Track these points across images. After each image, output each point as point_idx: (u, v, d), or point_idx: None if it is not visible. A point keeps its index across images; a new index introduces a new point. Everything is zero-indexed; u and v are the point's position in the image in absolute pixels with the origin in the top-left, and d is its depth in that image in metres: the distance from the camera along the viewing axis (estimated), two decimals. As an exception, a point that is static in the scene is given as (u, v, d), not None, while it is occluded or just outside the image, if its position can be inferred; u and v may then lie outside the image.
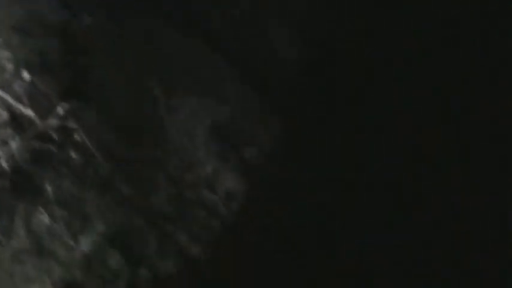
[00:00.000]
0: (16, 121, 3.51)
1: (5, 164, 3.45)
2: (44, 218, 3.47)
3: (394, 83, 3.85)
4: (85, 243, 3.47)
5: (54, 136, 3.53)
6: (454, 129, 3.74)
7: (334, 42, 3.92)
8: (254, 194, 3.64)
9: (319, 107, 3.88)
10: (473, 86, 3.74)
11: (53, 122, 3.53)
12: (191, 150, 3.67)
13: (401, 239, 3.67)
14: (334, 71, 3.88)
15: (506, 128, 3.69)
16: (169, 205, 3.58)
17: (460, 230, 3.64)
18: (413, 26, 3.83)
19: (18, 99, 3.50)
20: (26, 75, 3.52)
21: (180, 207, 3.60)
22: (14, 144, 3.49)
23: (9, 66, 3.54)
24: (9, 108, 3.50)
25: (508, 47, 3.74)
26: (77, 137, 3.53)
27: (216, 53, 3.84)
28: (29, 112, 3.50)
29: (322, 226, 3.76)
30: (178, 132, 3.68)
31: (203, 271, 3.51)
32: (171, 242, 3.53)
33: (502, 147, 3.69)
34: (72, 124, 3.53)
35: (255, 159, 3.70)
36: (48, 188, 3.49)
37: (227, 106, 3.77)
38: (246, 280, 3.63)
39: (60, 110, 3.52)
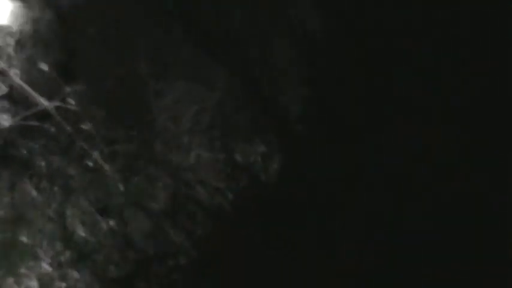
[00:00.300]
0: (14, 95, 3.53)
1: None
2: (28, 188, 3.50)
3: (394, 82, 3.85)
4: (66, 217, 3.49)
5: (48, 112, 3.56)
6: (454, 129, 3.73)
7: (331, 42, 3.92)
8: (241, 187, 3.64)
9: (316, 106, 3.89)
10: (473, 86, 3.73)
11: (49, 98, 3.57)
12: (176, 134, 3.68)
13: (401, 239, 3.66)
14: (333, 70, 3.88)
15: (506, 129, 3.68)
16: (151, 186, 3.60)
17: (460, 230, 3.64)
18: (413, 25, 3.83)
19: (17, 74, 3.53)
20: (26, 51, 3.54)
21: (161, 189, 3.62)
22: (10, 117, 3.51)
23: (11, 41, 3.56)
24: (8, 82, 3.52)
25: (508, 47, 3.73)
26: (68, 114, 3.55)
27: (206, 43, 3.84)
28: (27, 88, 3.52)
29: (322, 226, 3.76)
30: (164, 115, 3.69)
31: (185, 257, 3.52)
32: (152, 222, 3.55)
33: (502, 147, 3.69)
34: (66, 102, 3.56)
35: (242, 152, 3.70)
36: (35, 160, 3.52)
37: (215, 94, 3.77)
38: (236, 275, 3.64)
39: (56, 88, 3.54)
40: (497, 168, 3.66)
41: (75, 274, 3.46)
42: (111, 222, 3.54)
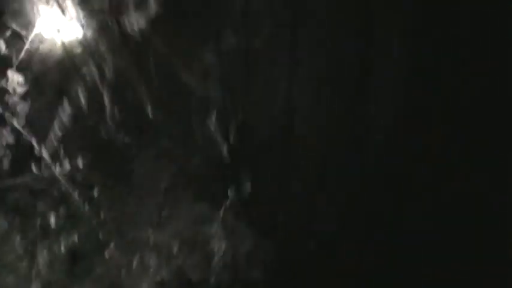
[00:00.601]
0: (16, 145, 3.57)
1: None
2: (2, 224, 3.50)
3: (394, 82, 3.85)
4: (37, 256, 3.49)
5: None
6: (454, 129, 3.74)
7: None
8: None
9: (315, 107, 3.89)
10: (473, 86, 3.73)
11: (50, 144, 3.59)
12: (152, 191, 3.68)
13: (401, 239, 3.67)
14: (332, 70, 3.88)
15: (506, 129, 3.68)
16: (121, 236, 3.61)
17: (460, 230, 3.64)
18: (413, 25, 3.83)
19: (21, 123, 3.56)
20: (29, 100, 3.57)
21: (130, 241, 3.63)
22: (6, 163, 3.55)
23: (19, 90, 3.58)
24: (12, 130, 3.55)
25: (508, 47, 3.73)
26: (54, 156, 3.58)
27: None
28: (26, 136, 3.56)
29: (322, 227, 3.76)
30: (144, 171, 3.69)
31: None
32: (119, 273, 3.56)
33: (502, 147, 3.69)
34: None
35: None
36: (11, 197, 3.53)
37: (196, 157, 3.74)
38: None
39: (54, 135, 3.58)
40: (497, 168, 3.67)
41: None
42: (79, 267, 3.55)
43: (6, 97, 3.53)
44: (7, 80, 3.54)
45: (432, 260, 3.61)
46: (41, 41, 3.63)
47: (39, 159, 3.56)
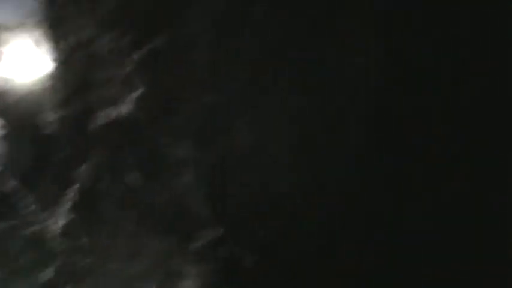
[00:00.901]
0: None
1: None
2: None
3: (394, 82, 3.85)
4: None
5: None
6: (454, 129, 3.74)
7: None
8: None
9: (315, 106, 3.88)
10: (473, 86, 3.74)
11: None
12: (122, 219, 3.68)
13: (401, 239, 3.67)
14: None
15: (506, 129, 3.69)
16: (94, 268, 3.63)
17: (460, 230, 3.64)
18: (413, 26, 3.83)
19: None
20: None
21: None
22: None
23: None
24: None
25: (508, 47, 3.74)
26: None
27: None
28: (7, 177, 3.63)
29: (322, 226, 3.76)
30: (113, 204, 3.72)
31: None
32: None
33: (502, 147, 3.69)
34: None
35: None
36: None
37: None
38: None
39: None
40: (497, 168, 3.67)
41: None
42: None
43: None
44: None
45: (432, 260, 3.60)
46: (16, 79, 3.62)
47: (20, 200, 3.58)
